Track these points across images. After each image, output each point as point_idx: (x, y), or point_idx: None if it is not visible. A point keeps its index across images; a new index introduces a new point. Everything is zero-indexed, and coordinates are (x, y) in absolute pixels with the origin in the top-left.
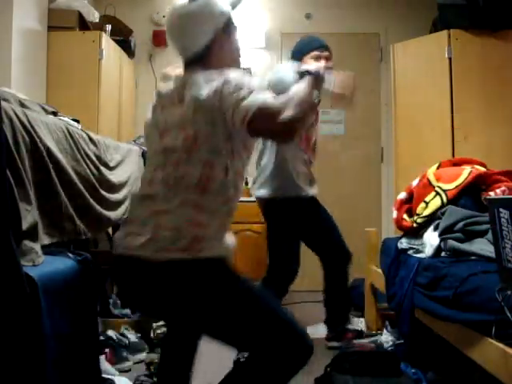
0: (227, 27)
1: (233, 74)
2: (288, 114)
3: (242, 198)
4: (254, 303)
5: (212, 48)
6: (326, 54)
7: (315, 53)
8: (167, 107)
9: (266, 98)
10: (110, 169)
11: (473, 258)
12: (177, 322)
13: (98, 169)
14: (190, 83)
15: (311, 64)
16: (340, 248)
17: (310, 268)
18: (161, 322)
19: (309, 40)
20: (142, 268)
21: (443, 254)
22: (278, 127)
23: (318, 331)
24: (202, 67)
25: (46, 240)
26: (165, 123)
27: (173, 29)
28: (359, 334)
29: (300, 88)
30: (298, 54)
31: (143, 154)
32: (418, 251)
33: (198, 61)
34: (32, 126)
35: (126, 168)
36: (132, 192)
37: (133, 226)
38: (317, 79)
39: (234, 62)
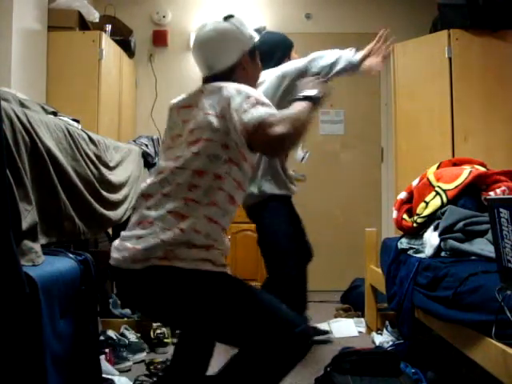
0: (253, 51)
1: (246, 87)
2: (282, 129)
3: None
4: (245, 299)
5: (235, 69)
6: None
7: (294, 49)
8: (182, 111)
9: (269, 111)
10: (110, 169)
11: (473, 257)
12: (177, 324)
13: (97, 169)
14: (209, 90)
15: (295, 60)
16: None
17: (310, 268)
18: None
19: (284, 36)
20: (137, 275)
21: (443, 253)
22: (271, 139)
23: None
24: None
25: (42, 240)
26: (178, 126)
27: (201, 43)
28: None
29: (301, 109)
30: (287, 50)
31: (143, 154)
32: (417, 251)
33: (218, 79)
34: (32, 126)
35: (126, 168)
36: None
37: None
38: (317, 103)
39: (253, 87)
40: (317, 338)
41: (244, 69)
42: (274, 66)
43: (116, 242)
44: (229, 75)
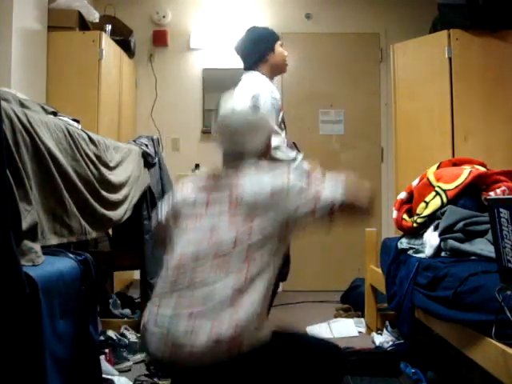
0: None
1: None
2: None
3: None
4: None
5: (265, 147)
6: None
7: (280, 42)
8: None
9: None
10: (110, 169)
11: (473, 257)
12: None
13: (97, 169)
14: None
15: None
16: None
17: (310, 268)
18: None
19: (269, 29)
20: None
21: (443, 253)
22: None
23: (318, 331)
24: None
25: (54, 240)
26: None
27: (234, 132)
28: None
29: None
30: (271, 42)
31: (143, 154)
32: (417, 251)
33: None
34: (32, 126)
35: (126, 168)
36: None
37: None
38: None
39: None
40: None
41: (269, 145)
42: (258, 59)
43: None
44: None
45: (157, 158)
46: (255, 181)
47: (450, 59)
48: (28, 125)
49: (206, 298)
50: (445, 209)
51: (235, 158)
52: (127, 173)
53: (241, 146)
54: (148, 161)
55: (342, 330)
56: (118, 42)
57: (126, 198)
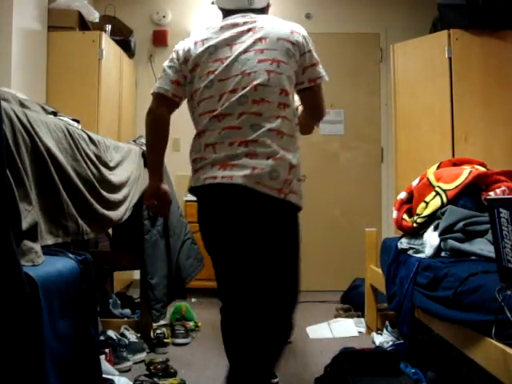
0: None
1: None
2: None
3: None
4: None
5: (267, 8)
6: None
7: None
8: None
9: None
10: (110, 169)
11: (473, 257)
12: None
13: (97, 169)
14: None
15: None
16: None
17: (310, 268)
18: (161, 322)
19: None
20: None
21: (443, 253)
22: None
23: (318, 331)
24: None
25: (50, 240)
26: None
27: None
28: None
29: None
30: None
31: (143, 154)
32: (417, 251)
33: (257, 11)
34: (32, 126)
35: (126, 168)
36: None
37: None
38: None
39: None
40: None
41: (268, 11)
42: None
43: None
44: (263, 12)
45: None
46: (275, 21)
47: (450, 59)
48: (28, 125)
49: None
50: (445, 209)
51: (241, 11)
52: (127, 173)
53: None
54: None
55: (342, 329)
56: (118, 42)
57: (125, 198)
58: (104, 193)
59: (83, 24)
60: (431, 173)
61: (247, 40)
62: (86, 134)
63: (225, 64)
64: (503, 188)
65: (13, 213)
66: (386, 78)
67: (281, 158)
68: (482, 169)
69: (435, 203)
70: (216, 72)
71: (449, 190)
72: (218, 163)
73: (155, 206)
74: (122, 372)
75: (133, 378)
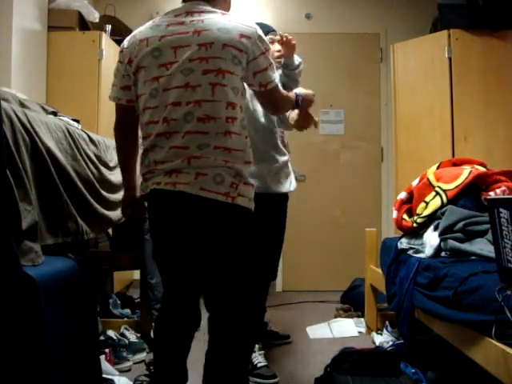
0: None
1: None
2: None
3: None
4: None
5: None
6: (277, 37)
7: (270, 36)
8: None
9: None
10: (110, 169)
11: (473, 257)
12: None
13: (97, 169)
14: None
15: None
16: None
17: (310, 268)
18: None
19: (261, 24)
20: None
21: (443, 253)
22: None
23: (318, 331)
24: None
25: (50, 240)
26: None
27: None
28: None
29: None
30: None
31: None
32: (417, 251)
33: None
34: (32, 126)
35: None
36: None
37: None
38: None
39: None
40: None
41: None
42: None
43: None
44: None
45: None
46: (223, 22)
47: (449, 59)
48: (28, 125)
49: None
50: (445, 209)
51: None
52: None
53: None
54: None
55: (342, 329)
56: (118, 42)
57: None
58: (104, 193)
59: (83, 24)
60: (431, 173)
61: (192, 45)
62: (86, 133)
63: (169, 72)
64: (503, 188)
65: (13, 213)
66: (385, 78)
67: (226, 166)
68: (482, 169)
69: (435, 203)
70: (160, 80)
71: (449, 189)
72: (163, 171)
73: (132, 214)
74: (122, 372)
75: (133, 378)
